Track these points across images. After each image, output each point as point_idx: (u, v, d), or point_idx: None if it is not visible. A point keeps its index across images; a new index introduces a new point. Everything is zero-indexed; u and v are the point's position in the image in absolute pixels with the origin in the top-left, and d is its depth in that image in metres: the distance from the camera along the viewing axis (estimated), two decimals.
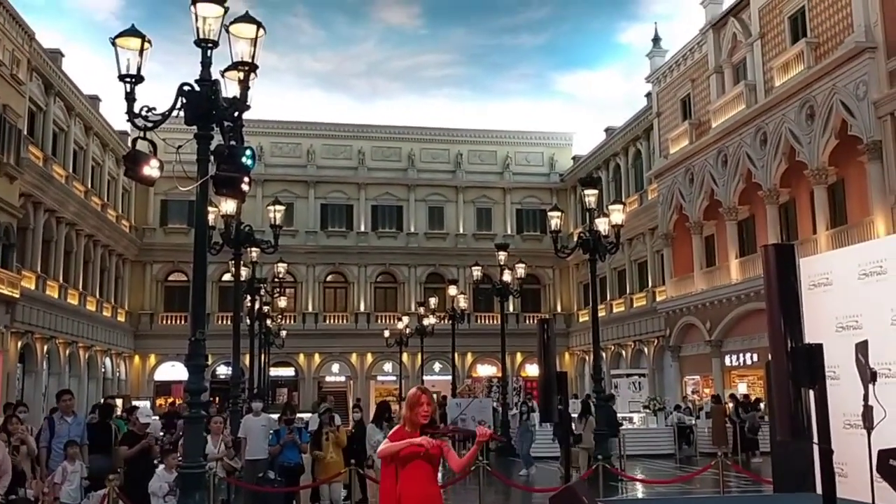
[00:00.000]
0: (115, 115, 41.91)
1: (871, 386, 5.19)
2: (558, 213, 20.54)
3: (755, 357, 29.65)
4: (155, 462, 11.22)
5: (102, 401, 16.45)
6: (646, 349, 39.38)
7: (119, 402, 23.67)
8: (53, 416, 11.11)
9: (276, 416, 14.33)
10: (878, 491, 5.12)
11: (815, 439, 4.91)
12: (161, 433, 13.78)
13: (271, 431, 12.73)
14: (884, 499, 5.17)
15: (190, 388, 9.97)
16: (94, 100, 39.47)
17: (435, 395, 7.48)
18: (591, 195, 18.35)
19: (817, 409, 4.90)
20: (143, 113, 10.14)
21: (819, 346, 4.92)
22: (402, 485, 5.58)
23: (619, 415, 25.84)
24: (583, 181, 19.79)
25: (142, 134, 9.89)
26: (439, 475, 6.01)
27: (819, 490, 8.51)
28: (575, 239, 24.28)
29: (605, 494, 11.93)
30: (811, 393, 4.98)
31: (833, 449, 5.02)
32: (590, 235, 18.14)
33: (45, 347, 33.16)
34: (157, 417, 16.95)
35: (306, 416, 15.27)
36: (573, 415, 19.53)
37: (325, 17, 70.25)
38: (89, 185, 38.37)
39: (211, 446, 11.14)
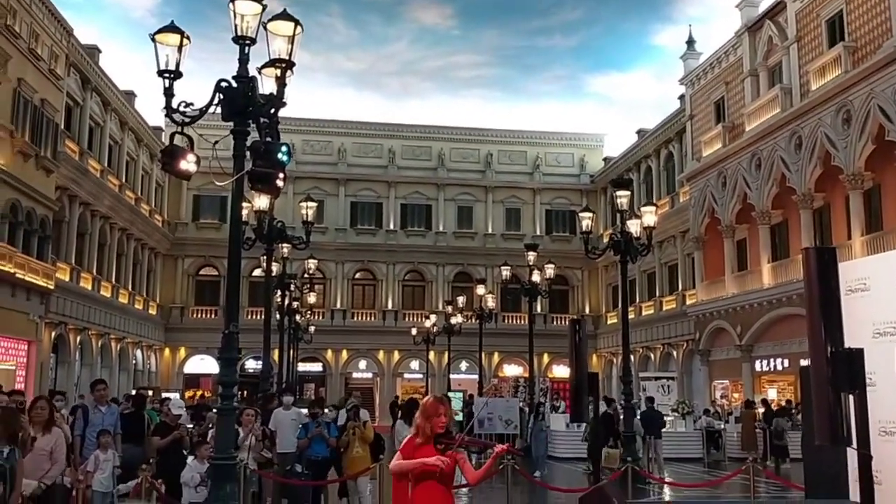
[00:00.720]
0: (149, 110, 42.48)
1: None
2: (590, 214, 20.44)
3: (786, 363, 29.33)
4: (185, 453, 11.35)
5: (135, 391, 16.64)
6: (674, 352, 39.10)
7: (150, 393, 23.93)
8: (87, 404, 11.27)
9: (305, 411, 14.40)
10: None
11: (855, 445, 4.85)
12: (190, 425, 13.91)
13: (300, 425, 12.80)
14: None
15: (222, 381, 10.07)
16: (130, 95, 39.94)
17: (461, 394, 7.43)
18: (622, 196, 18.24)
19: (857, 414, 4.85)
20: (181, 108, 10.27)
21: (860, 351, 4.87)
22: (413, 494, 5.38)
23: None
24: (614, 182, 19.69)
25: (179, 129, 10.01)
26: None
27: (853, 496, 8.42)
28: (605, 240, 24.20)
29: (633, 496, 11.87)
30: (850, 399, 4.93)
31: (872, 455, 4.96)
32: (621, 237, 18.04)
33: (78, 338, 33.64)
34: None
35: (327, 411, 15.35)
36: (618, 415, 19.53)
37: (358, 17, 70.49)
38: (123, 180, 38.86)
39: (242, 437, 11.24)
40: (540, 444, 20.59)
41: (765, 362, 31.18)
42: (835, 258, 5.21)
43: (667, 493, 16.25)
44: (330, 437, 12.45)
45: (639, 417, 19.58)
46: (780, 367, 30.20)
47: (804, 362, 16.33)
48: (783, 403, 26.65)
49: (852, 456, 7.89)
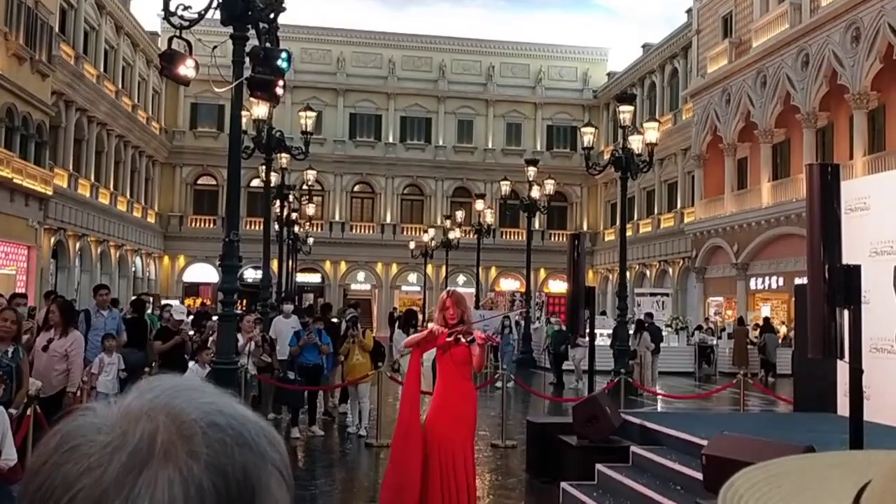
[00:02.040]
0: (145, 15, 41.50)
1: None
2: (591, 130, 20.28)
3: (780, 281, 29.60)
4: (187, 357, 11.55)
5: (136, 297, 16.81)
6: (670, 269, 39.39)
7: (150, 299, 24.17)
8: (90, 308, 11.40)
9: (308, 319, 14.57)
10: None
11: (847, 359, 4.95)
12: (191, 332, 14.11)
13: (293, 333, 13.01)
14: None
15: (223, 288, 10.18)
16: None
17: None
18: (625, 112, 18.07)
19: (851, 329, 4.93)
20: (179, 12, 10.06)
21: (857, 268, 4.91)
22: (437, 381, 6.44)
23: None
24: (618, 97, 19.48)
25: (177, 33, 9.84)
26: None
27: (839, 411, 8.64)
28: (606, 156, 24.08)
29: (625, 407, 12.14)
30: (844, 314, 5.00)
31: (863, 369, 5.06)
32: (622, 153, 17.95)
33: (78, 245, 33.78)
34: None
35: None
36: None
37: None
38: (120, 86, 38.32)
39: (242, 343, 11.43)
40: (506, 356, 20.89)
41: (759, 280, 31.45)
42: (838, 175, 5.20)
43: (659, 405, 16.63)
44: (322, 343, 12.67)
45: (649, 333, 19.90)
46: (774, 286, 30.49)
47: (799, 281, 16.50)
48: (760, 322, 26.89)
49: (842, 372, 8.05)
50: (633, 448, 8.22)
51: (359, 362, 12.16)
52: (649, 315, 21.99)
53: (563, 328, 22.17)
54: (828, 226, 5.02)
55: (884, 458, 0.59)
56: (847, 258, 5.43)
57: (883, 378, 7.62)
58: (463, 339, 6.29)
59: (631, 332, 19.30)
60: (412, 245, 42.14)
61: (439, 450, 6.16)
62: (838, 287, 4.80)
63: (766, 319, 26.44)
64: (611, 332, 20.78)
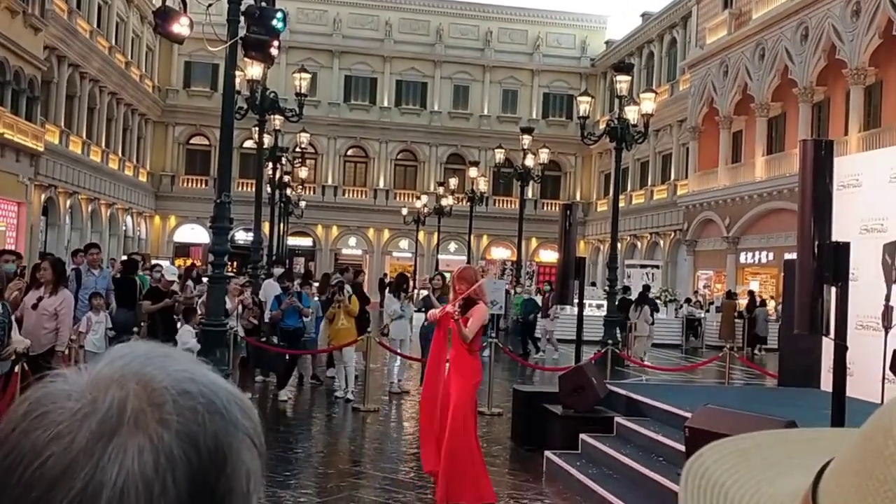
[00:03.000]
0: None
1: (894, 286, 5.22)
2: (588, 99, 20.16)
3: (771, 256, 29.71)
4: (176, 318, 11.55)
5: (126, 257, 16.77)
6: (661, 242, 39.47)
7: (140, 259, 24.13)
8: (80, 267, 11.37)
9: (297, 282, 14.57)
10: (889, 389, 5.22)
11: (832, 335, 4.98)
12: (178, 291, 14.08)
13: (273, 297, 13.02)
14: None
15: (214, 249, 10.16)
16: None
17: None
18: (623, 81, 17.97)
19: (837, 306, 4.95)
20: None
21: (846, 245, 4.93)
22: (451, 353, 6.92)
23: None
24: (616, 67, 19.36)
25: None
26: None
27: (823, 386, 8.72)
28: (601, 126, 23.97)
29: (611, 378, 12.23)
30: (833, 291, 5.02)
31: (847, 346, 5.10)
32: (618, 123, 17.88)
33: (68, 202, 33.61)
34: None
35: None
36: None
37: None
38: (113, 42, 37.88)
39: (229, 305, 11.42)
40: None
41: (750, 254, 31.57)
42: (831, 151, 5.20)
43: (645, 376, 16.77)
44: (303, 307, 12.72)
45: (650, 306, 20.05)
46: (764, 260, 30.61)
47: (789, 256, 16.55)
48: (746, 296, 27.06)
49: (826, 348, 8.12)
50: (618, 419, 8.30)
51: (344, 327, 12.19)
52: (646, 288, 22.11)
53: (532, 297, 22.48)
54: (819, 202, 5.03)
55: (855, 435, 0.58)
56: (837, 235, 5.44)
57: (867, 355, 7.68)
58: (456, 317, 6.74)
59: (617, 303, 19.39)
60: (405, 211, 42.07)
61: (442, 412, 6.78)
62: (827, 264, 4.82)
63: (752, 293, 26.56)
64: (602, 302, 20.88)
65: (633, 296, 21.70)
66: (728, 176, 32.64)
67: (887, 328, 5.14)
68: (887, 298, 5.21)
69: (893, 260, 5.31)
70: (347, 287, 12.72)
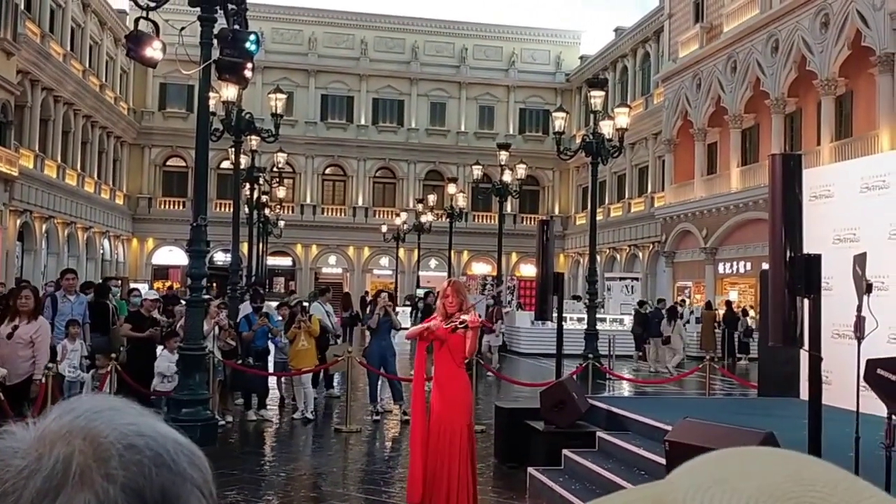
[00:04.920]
0: None
1: (865, 297, 5.28)
2: (563, 115, 20.30)
3: (748, 266, 29.95)
4: (156, 343, 11.46)
5: (102, 280, 16.63)
6: (640, 254, 39.68)
7: (118, 283, 23.95)
8: (56, 294, 11.26)
9: (274, 304, 14.56)
10: (863, 399, 5.27)
11: (807, 347, 5.03)
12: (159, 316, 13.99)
13: (242, 317, 13.02)
14: (867, 406, 5.33)
15: (191, 273, 10.10)
16: None
17: (432, 291, 7.89)
18: (597, 97, 18.10)
19: (811, 317, 5.00)
20: None
21: (818, 257, 4.98)
22: (435, 371, 6.74)
23: (609, 317, 26.42)
24: (589, 82, 19.50)
25: (144, 14, 9.69)
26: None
27: (803, 396, 8.78)
28: (578, 141, 24.11)
29: (592, 392, 12.26)
30: (805, 302, 5.07)
31: (822, 357, 5.14)
32: (593, 138, 17.99)
33: (44, 227, 33.32)
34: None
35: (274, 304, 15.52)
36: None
37: None
38: (87, 65, 37.72)
39: (205, 327, 11.36)
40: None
41: (728, 265, 31.80)
42: (800, 165, 5.26)
43: (626, 389, 16.81)
44: (272, 326, 12.75)
45: (685, 321, 20.60)
46: (741, 270, 30.84)
47: (766, 266, 16.71)
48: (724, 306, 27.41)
49: (805, 358, 8.18)
50: (599, 433, 8.31)
51: (304, 348, 12.18)
52: (682, 303, 22.81)
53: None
54: (790, 215, 5.08)
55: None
56: (811, 245, 5.51)
57: (844, 364, 7.75)
58: (459, 328, 6.55)
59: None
60: (384, 228, 42.03)
61: (439, 436, 6.51)
62: (799, 276, 4.87)
63: (729, 303, 26.76)
64: (583, 315, 21.01)
65: (648, 309, 22.59)
66: (704, 187, 32.91)
67: (860, 339, 5.19)
68: (858, 309, 5.27)
69: (864, 271, 5.38)
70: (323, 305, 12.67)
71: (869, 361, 5.07)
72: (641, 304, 24.57)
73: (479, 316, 7.35)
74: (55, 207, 33.82)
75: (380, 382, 13.01)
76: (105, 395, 0.72)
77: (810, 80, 26.09)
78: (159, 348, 10.89)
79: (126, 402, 0.69)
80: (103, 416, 0.64)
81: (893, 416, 4.93)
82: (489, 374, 16.02)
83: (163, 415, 9.34)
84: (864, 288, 5.28)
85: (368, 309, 13.24)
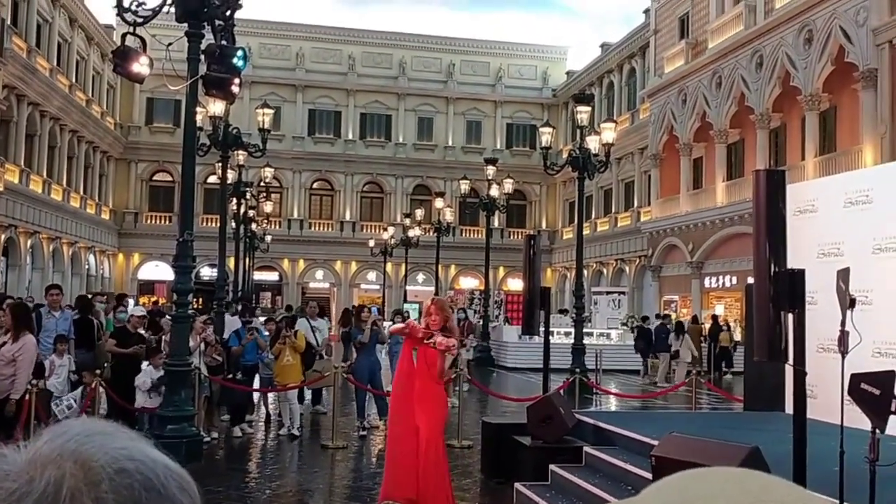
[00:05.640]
0: (100, 7, 40.76)
1: (849, 312, 5.32)
2: (549, 130, 20.42)
3: (734, 280, 30.07)
4: (141, 358, 11.40)
5: (91, 296, 16.54)
6: (627, 268, 39.80)
7: (104, 298, 23.81)
8: (41, 310, 11.19)
9: (262, 319, 14.52)
10: (847, 413, 5.30)
11: (791, 361, 5.06)
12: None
13: (232, 332, 12.99)
14: (852, 420, 5.36)
15: (177, 289, 10.06)
16: None
17: (418, 306, 7.95)
18: (583, 112, 18.21)
19: (795, 332, 5.03)
20: (133, 7, 9.92)
21: (801, 272, 5.02)
22: (416, 379, 6.85)
23: (596, 331, 26.46)
24: (576, 98, 19.63)
25: (131, 29, 9.69)
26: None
27: (788, 409, 8.81)
28: (564, 155, 24.23)
29: (579, 406, 12.26)
30: (790, 316, 5.10)
31: (807, 371, 5.17)
32: (580, 153, 18.09)
33: (29, 242, 33.11)
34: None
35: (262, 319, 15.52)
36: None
37: None
38: (74, 80, 37.64)
39: (191, 343, 11.32)
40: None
41: (714, 279, 31.93)
42: (784, 181, 5.31)
43: (612, 404, 16.82)
44: (261, 338, 12.74)
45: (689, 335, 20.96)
46: (728, 284, 30.96)
47: (751, 280, 16.79)
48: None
49: (790, 372, 8.22)
50: (586, 448, 8.30)
51: (289, 364, 12.14)
52: (695, 319, 23.06)
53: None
54: (774, 230, 5.12)
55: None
56: (795, 260, 5.54)
57: (829, 377, 7.79)
58: (428, 342, 6.70)
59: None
60: (371, 243, 42.03)
61: (418, 451, 6.82)
62: (783, 291, 4.91)
63: (715, 317, 26.88)
64: (570, 330, 21.05)
65: (651, 325, 22.91)
66: (690, 202, 33.08)
67: (844, 353, 5.23)
68: (842, 324, 5.30)
69: (847, 286, 5.42)
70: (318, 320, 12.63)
71: (853, 376, 5.10)
72: (645, 319, 24.79)
73: (462, 343, 7.61)
74: (40, 222, 33.63)
75: (367, 398, 12.98)
76: (96, 419, 0.73)
77: (794, 96, 26.31)
78: (144, 364, 10.83)
79: (117, 426, 0.69)
80: (94, 440, 0.65)
81: (877, 431, 4.96)
82: (473, 387, 15.99)
83: (143, 431, 9.27)
84: (848, 303, 5.31)
85: (353, 323, 13.20)
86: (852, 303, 5.40)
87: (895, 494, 5.47)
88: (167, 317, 13.15)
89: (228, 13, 10.14)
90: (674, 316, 33.13)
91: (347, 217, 47.68)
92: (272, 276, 47.05)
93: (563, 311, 31.47)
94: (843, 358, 5.28)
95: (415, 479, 6.83)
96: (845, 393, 5.16)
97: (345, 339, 13.15)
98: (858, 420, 5.35)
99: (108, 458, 0.63)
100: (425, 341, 6.83)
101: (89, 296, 15.94)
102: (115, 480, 0.62)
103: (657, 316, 28.30)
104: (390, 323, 12.79)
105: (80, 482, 0.61)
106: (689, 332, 25.46)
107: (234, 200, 24.01)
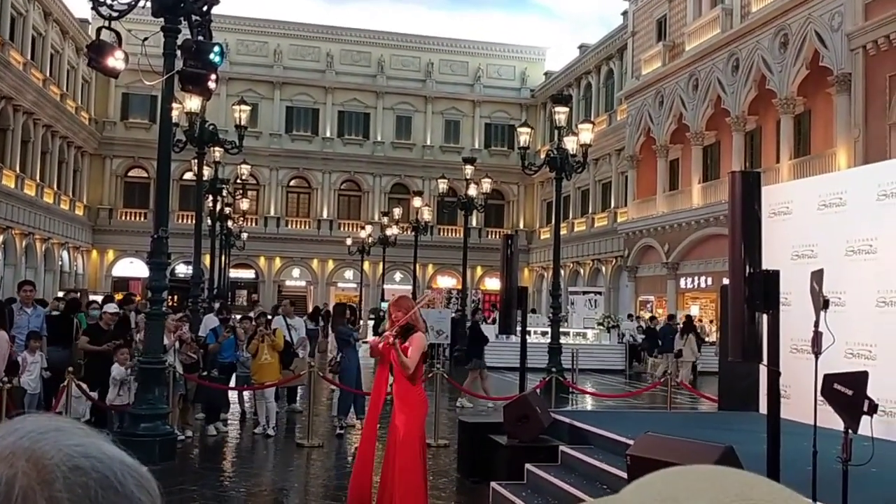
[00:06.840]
0: (76, 1, 40.32)
1: (822, 313, 5.37)
2: (527, 130, 20.45)
3: (709, 281, 30.30)
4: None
5: (69, 294, 16.37)
6: (603, 268, 39.99)
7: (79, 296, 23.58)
8: (13, 306, 11.05)
9: (239, 317, 14.42)
10: (820, 413, 5.35)
11: (765, 361, 5.09)
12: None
13: (209, 330, 12.91)
14: (825, 420, 5.41)
15: (151, 286, 9.97)
16: None
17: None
18: (561, 113, 18.25)
19: (769, 333, 5.07)
20: (109, 1, 9.81)
21: (776, 273, 5.06)
22: (394, 385, 7.03)
23: (573, 330, 26.55)
24: (554, 98, 19.66)
25: (106, 23, 9.59)
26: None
27: (762, 409, 8.89)
28: (542, 156, 24.30)
29: (556, 405, 12.30)
30: (764, 317, 5.14)
31: (780, 371, 5.21)
32: (557, 154, 18.13)
33: (1, 238, 32.71)
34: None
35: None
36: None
37: None
38: (48, 74, 37.20)
39: (166, 341, 11.24)
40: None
41: (689, 280, 32.15)
42: (759, 183, 5.35)
43: (588, 403, 16.88)
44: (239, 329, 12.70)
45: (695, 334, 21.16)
46: (703, 285, 31.20)
47: (726, 281, 16.93)
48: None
49: (764, 372, 8.30)
50: (562, 447, 8.33)
51: (267, 362, 12.05)
52: (689, 318, 23.21)
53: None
54: (749, 231, 5.16)
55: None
56: (770, 261, 5.59)
57: (802, 378, 7.86)
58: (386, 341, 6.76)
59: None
60: (349, 241, 41.91)
61: (395, 450, 6.74)
62: (758, 292, 4.94)
63: (689, 318, 27.03)
64: (546, 329, 21.08)
65: (658, 325, 23.05)
66: (666, 203, 33.29)
67: (817, 354, 5.27)
68: (816, 325, 5.35)
69: (821, 287, 5.47)
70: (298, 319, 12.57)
71: (826, 376, 5.15)
72: (652, 318, 24.90)
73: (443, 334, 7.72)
74: (13, 218, 33.22)
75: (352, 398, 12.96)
76: (51, 415, 0.71)
77: (770, 99, 26.56)
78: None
79: (73, 422, 0.67)
80: (48, 437, 0.63)
81: (850, 431, 5.01)
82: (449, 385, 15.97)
83: (115, 426, 9.15)
84: (822, 304, 5.36)
85: (331, 321, 13.13)
86: (826, 304, 5.45)
87: (867, 494, 5.54)
88: (141, 315, 13.05)
89: (205, 8, 10.06)
90: (646, 315, 33.39)
91: (325, 215, 47.52)
92: (248, 274, 46.80)
93: (532, 311, 31.54)
94: (817, 358, 5.32)
95: (370, 488, 6.93)
96: (818, 393, 5.21)
97: (339, 337, 13.03)
98: (831, 420, 5.40)
99: (63, 456, 0.61)
100: (392, 344, 6.85)
101: (78, 296, 15.80)
102: (69, 478, 0.60)
103: (629, 316, 28.47)
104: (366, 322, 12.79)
105: (32, 481, 0.59)
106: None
107: (210, 197, 23.84)
